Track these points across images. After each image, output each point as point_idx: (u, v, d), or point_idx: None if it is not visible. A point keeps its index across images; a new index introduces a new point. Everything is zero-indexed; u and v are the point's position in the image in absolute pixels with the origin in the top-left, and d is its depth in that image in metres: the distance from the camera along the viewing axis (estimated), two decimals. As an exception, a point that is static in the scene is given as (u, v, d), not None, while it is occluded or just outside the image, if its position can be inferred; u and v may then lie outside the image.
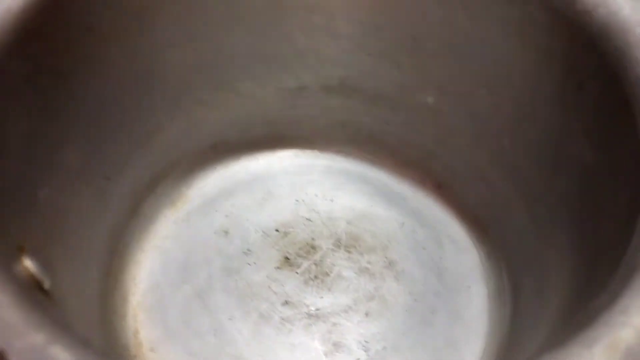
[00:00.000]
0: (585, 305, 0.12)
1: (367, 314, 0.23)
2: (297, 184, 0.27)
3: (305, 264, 0.24)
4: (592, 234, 0.16)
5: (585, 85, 0.18)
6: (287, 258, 0.24)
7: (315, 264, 0.24)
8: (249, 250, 0.25)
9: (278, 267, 0.24)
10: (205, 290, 0.23)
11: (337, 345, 0.22)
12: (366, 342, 0.22)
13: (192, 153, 0.27)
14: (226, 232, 0.25)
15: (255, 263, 0.24)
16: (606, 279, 0.12)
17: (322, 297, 0.23)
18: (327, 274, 0.24)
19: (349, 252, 0.25)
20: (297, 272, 0.24)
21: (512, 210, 0.22)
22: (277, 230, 0.25)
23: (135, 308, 0.23)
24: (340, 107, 0.27)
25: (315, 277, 0.24)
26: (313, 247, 0.25)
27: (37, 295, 0.12)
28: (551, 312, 0.17)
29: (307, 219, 0.26)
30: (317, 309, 0.23)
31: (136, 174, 0.24)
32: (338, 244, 0.25)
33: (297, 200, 0.26)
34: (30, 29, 0.16)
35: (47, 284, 0.14)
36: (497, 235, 0.24)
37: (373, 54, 0.25)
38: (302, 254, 0.24)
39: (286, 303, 0.23)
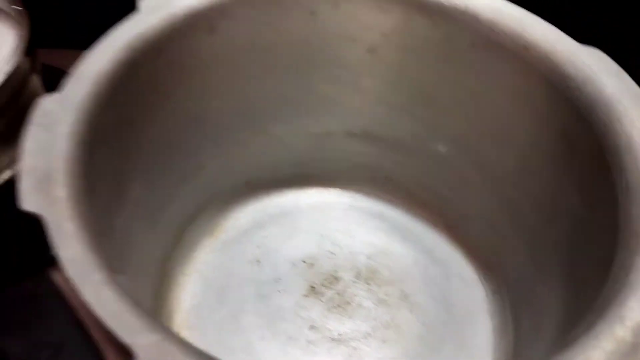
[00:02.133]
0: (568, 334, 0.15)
1: (383, 341, 0.25)
2: (322, 220, 0.30)
3: (329, 293, 0.27)
4: (579, 276, 0.19)
5: (576, 148, 0.21)
6: (312, 287, 0.27)
7: (338, 294, 0.27)
8: (278, 278, 0.27)
9: (305, 295, 0.27)
10: (240, 312, 0.26)
11: (356, 367, 0.25)
12: (382, 365, 0.25)
13: (228, 189, 0.30)
14: (258, 262, 0.28)
15: (284, 290, 0.27)
16: (586, 312, 0.15)
17: (343, 324, 0.26)
18: (349, 303, 0.27)
19: (368, 284, 0.27)
20: (321, 300, 0.27)
21: (514, 252, 0.25)
22: (303, 262, 0.28)
23: (179, 326, 0.25)
24: (361, 152, 0.30)
25: (338, 305, 0.26)
26: (336, 278, 0.27)
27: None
28: (546, 343, 0.19)
29: (330, 252, 0.29)
30: (340, 334, 0.25)
31: (181, 207, 0.28)
32: (358, 276, 0.28)
33: (321, 235, 0.29)
34: (117, 86, 0.20)
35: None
36: (501, 273, 0.26)
37: (392, 106, 0.28)
38: (326, 284, 0.27)
39: (312, 327, 0.26)
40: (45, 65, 0.27)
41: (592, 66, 0.20)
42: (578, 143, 0.20)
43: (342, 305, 0.26)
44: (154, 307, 0.24)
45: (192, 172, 0.27)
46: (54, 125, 0.17)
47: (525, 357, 0.22)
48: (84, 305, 0.14)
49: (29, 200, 0.15)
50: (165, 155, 0.25)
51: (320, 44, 0.26)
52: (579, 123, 0.20)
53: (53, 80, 0.27)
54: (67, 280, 0.15)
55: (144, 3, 0.21)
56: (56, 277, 0.16)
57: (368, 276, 0.27)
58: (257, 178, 0.30)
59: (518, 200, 0.25)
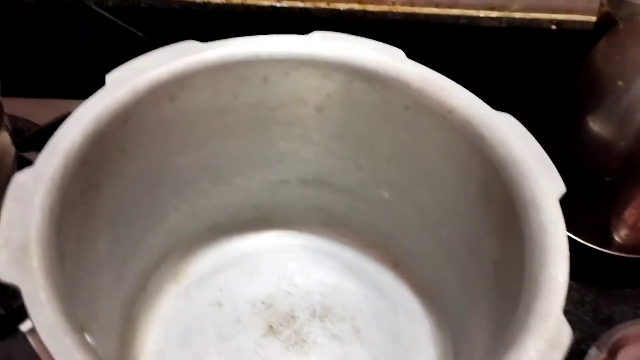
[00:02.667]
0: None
1: (337, 374, 0.28)
2: (279, 261, 0.32)
3: (287, 332, 0.29)
4: (499, 311, 0.22)
5: (492, 199, 0.24)
6: (271, 327, 0.29)
7: (295, 332, 0.29)
8: (239, 319, 0.29)
9: (264, 335, 0.29)
10: (202, 354, 0.28)
11: (312, 401, 0.27)
12: (336, 397, 0.27)
13: (191, 236, 0.32)
14: (220, 304, 0.30)
15: (244, 331, 0.29)
16: (499, 348, 0.18)
17: (300, 360, 0.28)
18: (305, 341, 0.29)
19: (322, 321, 0.30)
20: (279, 339, 0.29)
21: (450, 287, 0.28)
22: (262, 303, 0.30)
23: (144, 372, 0.27)
24: (314, 196, 0.32)
25: (295, 343, 0.29)
26: (293, 317, 0.30)
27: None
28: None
29: (287, 292, 0.31)
30: (296, 371, 0.28)
31: (146, 256, 0.29)
32: (314, 314, 0.30)
33: (279, 276, 0.31)
34: (85, 157, 0.22)
35: (101, 356, 0.18)
36: (441, 306, 0.29)
37: (340, 157, 0.30)
38: (283, 323, 0.29)
39: (270, 366, 0.28)
40: (9, 116, 0.28)
41: (504, 129, 0.23)
42: (494, 194, 0.24)
43: (298, 343, 0.29)
44: (119, 355, 0.26)
45: (156, 224, 0.29)
46: (28, 198, 0.19)
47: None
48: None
49: (5, 272, 0.17)
50: (130, 211, 0.27)
51: (274, 105, 0.29)
52: (493, 178, 0.23)
53: (20, 131, 0.29)
54: (39, 342, 0.17)
55: (109, 78, 0.24)
56: (30, 338, 0.17)
57: (322, 314, 0.30)
58: (218, 224, 0.32)
59: (450, 239, 0.28)
